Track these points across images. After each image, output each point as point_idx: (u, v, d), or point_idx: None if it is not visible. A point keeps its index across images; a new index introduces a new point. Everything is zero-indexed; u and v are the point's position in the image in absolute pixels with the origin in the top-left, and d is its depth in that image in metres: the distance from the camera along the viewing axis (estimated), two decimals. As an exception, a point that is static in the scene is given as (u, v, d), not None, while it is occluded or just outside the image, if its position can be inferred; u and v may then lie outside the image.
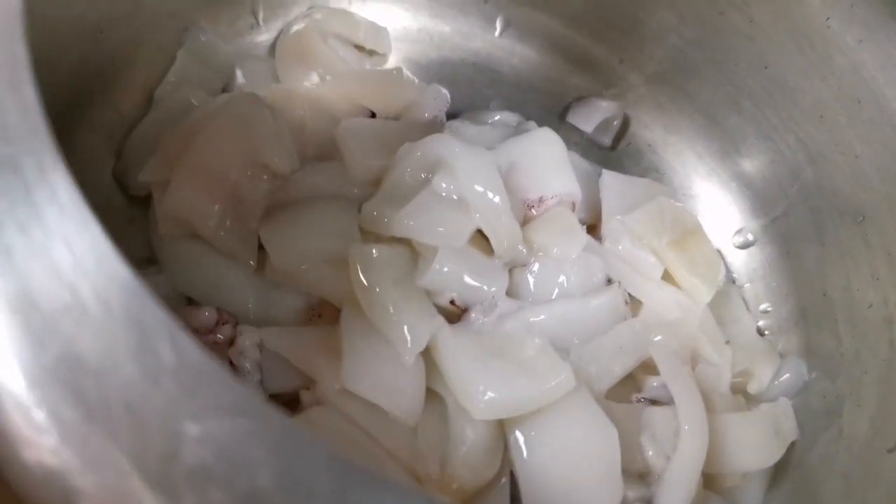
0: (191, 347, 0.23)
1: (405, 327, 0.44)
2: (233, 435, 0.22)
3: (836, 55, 0.51)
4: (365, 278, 0.45)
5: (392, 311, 0.44)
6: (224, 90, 0.57)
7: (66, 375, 0.22)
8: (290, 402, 0.45)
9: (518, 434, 0.44)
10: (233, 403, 0.22)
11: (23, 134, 0.24)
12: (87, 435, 0.21)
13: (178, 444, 0.22)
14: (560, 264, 0.51)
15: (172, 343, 0.23)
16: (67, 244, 0.23)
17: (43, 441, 0.21)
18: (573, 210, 0.54)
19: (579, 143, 0.66)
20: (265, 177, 0.49)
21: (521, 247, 0.50)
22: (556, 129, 0.59)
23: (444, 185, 0.49)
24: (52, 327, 0.22)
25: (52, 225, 0.23)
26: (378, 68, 0.61)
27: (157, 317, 0.23)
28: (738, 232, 0.62)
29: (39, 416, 0.22)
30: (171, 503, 0.21)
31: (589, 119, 0.65)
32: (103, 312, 0.23)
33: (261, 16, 0.60)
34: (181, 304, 0.48)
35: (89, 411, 0.21)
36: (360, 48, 0.62)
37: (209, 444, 0.22)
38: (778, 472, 0.53)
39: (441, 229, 0.47)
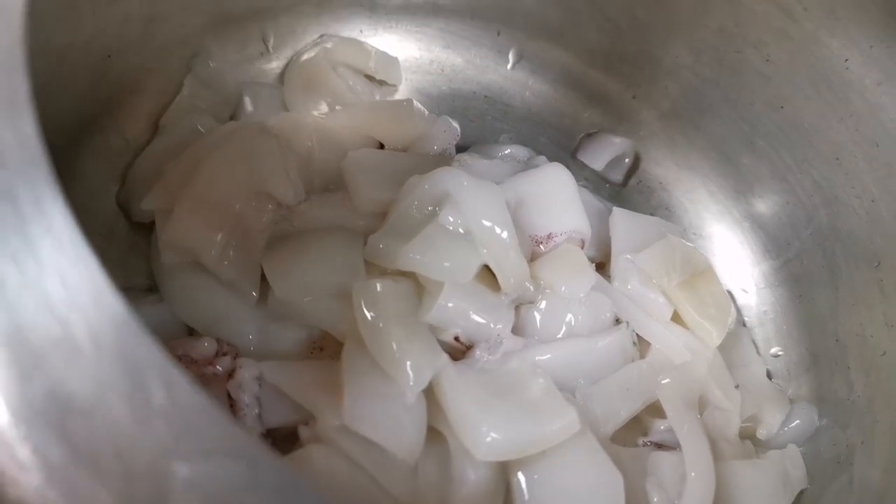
0: (184, 386, 0.22)
1: (408, 364, 0.43)
2: (225, 480, 0.21)
3: (854, 97, 0.51)
4: (368, 313, 0.44)
5: (395, 348, 0.43)
6: (232, 117, 0.57)
7: (53, 413, 0.21)
8: (288, 437, 0.44)
9: (520, 476, 0.43)
10: (226, 446, 0.21)
11: (20, 164, 0.23)
12: (72, 476, 0.20)
13: (167, 488, 0.21)
14: (567, 303, 0.50)
15: (165, 382, 0.22)
16: (61, 278, 0.22)
17: (27, 479, 0.21)
18: (582, 247, 0.53)
19: (590, 178, 0.65)
20: (270, 207, 0.48)
21: (528, 284, 0.49)
22: (567, 165, 0.59)
23: (451, 219, 0.48)
24: (40, 362, 0.21)
25: (46, 258, 0.22)
26: (388, 99, 0.60)
27: (151, 354, 0.22)
28: (750, 274, 0.61)
29: (24, 453, 0.21)
30: (157, 552, 0.20)
31: (600, 156, 0.64)
32: (94, 349, 0.22)
33: (271, 43, 0.59)
34: (181, 333, 0.47)
35: (76, 451, 0.21)
36: (370, 78, 0.62)
37: (199, 490, 0.21)
38: (786, 522, 0.52)
39: (447, 264, 0.46)
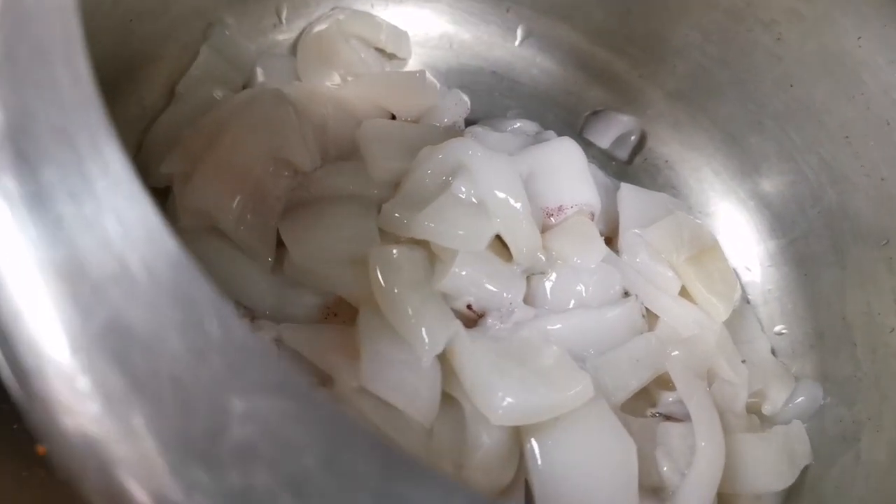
0: (237, 325, 0.22)
1: (423, 329, 0.43)
2: (279, 414, 0.21)
3: (867, 76, 0.51)
4: (383, 280, 0.44)
5: (410, 313, 0.44)
6: (245, 87, 0.57)
7: (112, 344, 0.21)
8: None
9: (534, 442, 0.44)
10: (279, 383, 0.22)
11: (76, 106, 0.24)
12: (131, 405, 0.21)
13: (225, 419, 0.21)
14: (578, 274, 0.50)
15: (219, 319, 0.22)
16: (118, 216, 0.23)
17: (85, 408, 0.21)
18: (592, 220, 0.54)
19: (596, 156, 0.65)
20: (287, 173, 0.48)
21: (539, 254, 0.49)
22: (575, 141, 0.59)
23: (464, 189, 0.49)
24: (100, 296, 0.22)
25: (102, 196, 0.23)
26: (401, 71, 0.61)
27: (205, 292, 0.22)
28: (754, 252, 0.61)
29: (83, 382, 0.21)
30: (215, 479, 0.20)
31: (606, 133, 0.65)
32: (152, 284, 0.22)
33: (284, 15, 0.60)
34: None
35: (135, 381, 0.21)
36: (380, 51, 0.62)
37: (255, 422, 0.21)
38: (791, 497, 0.52)
39: (460, 233, 0.47)
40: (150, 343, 0.21)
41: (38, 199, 0.22)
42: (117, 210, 0.23)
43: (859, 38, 0.50)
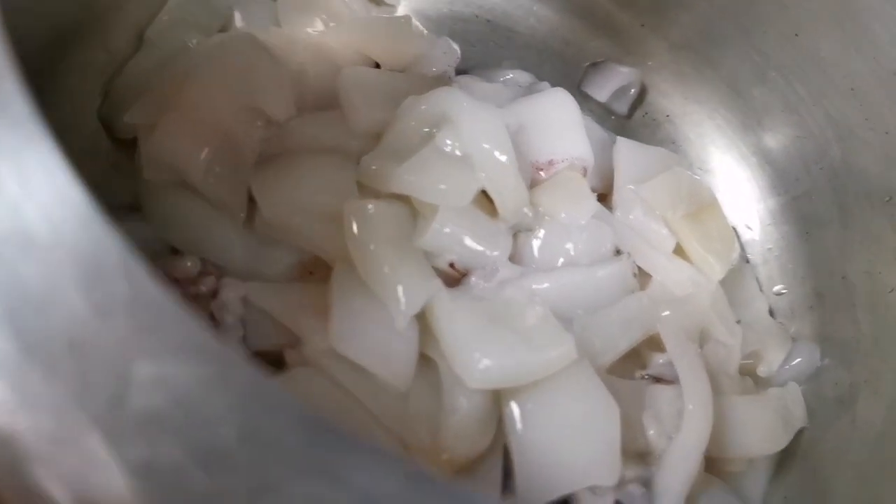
0: (149, 283, 0.20)
1: (400, 288, 0.41)
2: (192, 380, 0.19)
3: (876, 25, 0.48)
4: (360, 235, 0.42)
5: (387, 271, 0.42)
6: (220, 32, 0.54)
7: (2, 305, 0.19)
8: (274, 362, 0.42)
9: (514, 405, 0.42)
10: (192, 345, 0.20)
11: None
12: (24, 371, 0.19)
13: (128, 385, 0.19)
14: (567, 231, 0.48)
15: (128, 277, 0.20)
16: (15, 163, 0.20)
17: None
18: (584, 175, 0.51)
19: (594, 110, 0.63)
20: (259, 123, 0.46)
21: (526, 210, 0.47)
22: (572, 94, 0.57)
23: (448, 142, 0.47)
24: (-7, 253, 0.20)
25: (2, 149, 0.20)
26: (386, 16, 0.58)
27: (115, 248, 0.20)
28: (755, 210, 0.59)
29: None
30: (117, 450, 0.19)
31: (605, 86, 0.62)
32: (51, 239, 0.20)
33: (264, -46, 0.57)
34: (165, 253, 0.46)
35: (28, 345, 0.19)
36: (367, -3, 0.59)
37: (163, 389, 0.19)
38: (784, 460, 0.51)
39: (443, 187, 0.45)
40: (45, 303, 0.19)
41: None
42: (15, 155, 0.20)
43: (870, -20, 0.47)
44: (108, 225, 0.21)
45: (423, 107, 0.47)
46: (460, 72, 0.58)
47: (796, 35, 0.53)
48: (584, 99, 0.63)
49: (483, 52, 0.62)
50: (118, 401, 0.19)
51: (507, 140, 0.47)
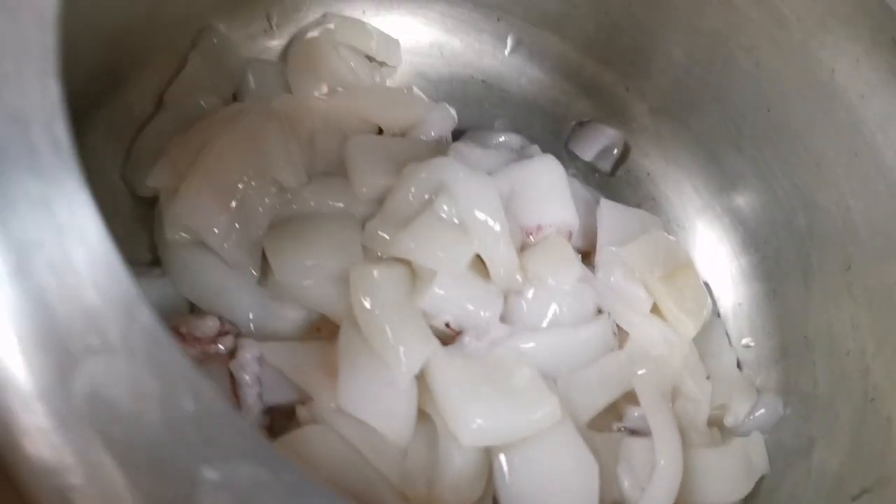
0: (212, 396, 0.24)
1: (401, 350, 0.45)
2: (250, 481, 0.23)
3: (838, 107, 0.52)
4: (364, 299, 0.46)
5: (389, 334, 0.45)
6: (235, 94, 0.58)
7: (94, 417, 0.23)
8: (286, 415, 0.46)
9: (502, 459, 0.46)
10: (249, 450, 0.24)
11: (55, 173, 0.25)
12: (113, 479, 0.22)
13: (196, 488, 0.23)
14: (553, 293, 0.52)
15: (194, 390, 0.24)
16: (97, 287, 0.24)
17: (69, 480, 0.23)
18: (570, 239, 0.55)
19: (580, 167, 0.67)
20: (273, 190, 0.50)
21: (517, 275, 0.51)
22: (559, 152, 0.61)
23: (445, 208, 0.50)
24: (80, 369, 0.23)
25: (82, 268, 0.24)
26: (389, 85, 0.62)
27: (181, 364, 0.24)
28: (728, 267, 0.63)
29: (67, 454, 0.23)
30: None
31: (591, 146, 0.66)
32: (130, 357, 0.24)
33: (274, 21, 0.60)
34: (183, 308, 0.49)
35: (116, 453, 0.23)
36: (370, 58, 0.63)
37: (227, 490, 0.23)
38: (745, 504, 0.55)
39: (441, 254, 0.48)
40: (130, 416, 0.23)
41: (19, 271, 0.24)
42: (97, 281, 0.24)
43: (833, 70, 0.52)
44: (174, 344, 0.24)
45: (422, 175, 0.51)
46: (458, 132, 0.63)
47: (768, 110, 0.57)
48: (570, 157, 0.67)
49: (478, 112, 0.66)
50: (188, 502, 0.23)
51: (500, 209, 0.50)
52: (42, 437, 0.23)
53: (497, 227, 0.50)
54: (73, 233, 0.25)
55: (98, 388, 0.23)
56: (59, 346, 0.24)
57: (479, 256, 0.51)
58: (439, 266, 0.48)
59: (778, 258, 0.60)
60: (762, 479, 0.55)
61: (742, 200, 0.62)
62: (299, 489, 0.24)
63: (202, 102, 0.54)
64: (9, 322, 0.23)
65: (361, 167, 0.52)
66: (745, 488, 0.54)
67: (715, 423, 0.57)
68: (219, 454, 0.23)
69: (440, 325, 0.49)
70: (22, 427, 0.23)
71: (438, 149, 0.57)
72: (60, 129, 0.26)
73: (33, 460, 0.23)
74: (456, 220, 0.50)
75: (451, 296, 0.49)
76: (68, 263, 0.24)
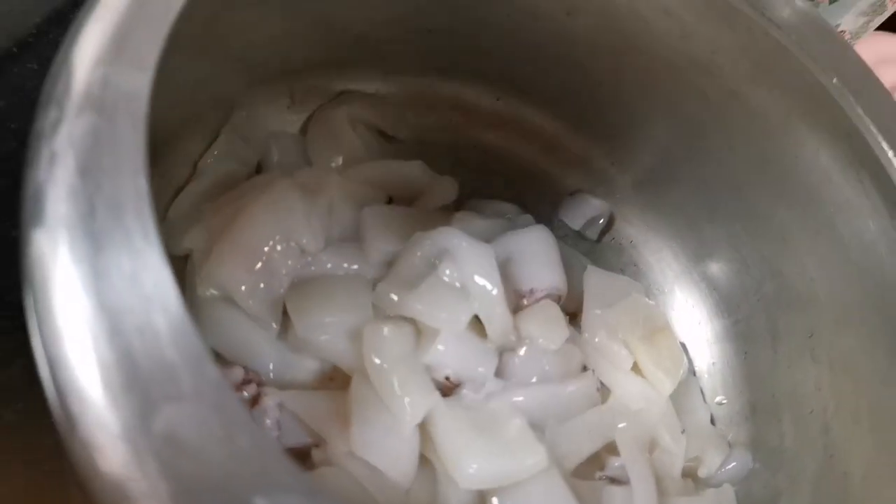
0: (263, 435, 0.29)
1: (406, 400, 0.50)
2: (293, 509, 0.29)
3: (800, 190, 0.57)
4: (375, 354, 0.51)
5: (396, 386, 0.51)
6: (259, 163, 0.64)
7: (166, 454, 0.28)
8: (300, 455, 0.51)
9: (495, 501, 0.51)
10: (294, 484, 0.29)
11: (144, 253, 0.31)
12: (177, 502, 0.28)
13: (250, 514, 0.28)
14: (543, 351, 0.58)
15: (248, 431, 0.29)
16: (175, 347, 0.30)
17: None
18: (559, 302, 0.61)
19: (569, 234, 0.73)
20: (295, 254, 0.55)
21: (511, 335, 0.57)
22: (550, 220, 0.67)
23: (448, 273, 0.56)
24: (158, 413, 0.29)
25: (164, 334, 0.30)
26: (399, 161, 0.68)
27: (238, 409, 0.30)
28: (703, 329, 0.69)
29: (143, 485, 0.28)
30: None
31: (579, 215, 0.72)
32: (198, 404, 0.29)
33: (297, 97, 0.66)
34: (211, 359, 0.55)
35: (182, 488, 0.28)
36: (382, 133, 0.69)
37: (274, 517, 0.28)
38: (715, 555, 0.60)
39: (444, 314, 0.54)
40: (197, 452, 0.28)
41: (113, 331, 0.29)
42: (175, 341, 0.30)
43: (796, 157, 0.57)
44: (231, 391, 0.30)
45: (427, 242, 0.57)
46: (460, 198, 0.69)
47: (739, 189, 0.63)
48: (560, 225, 0.73)
49: (478, 180, 0.72)
50: (245, 524, 0.28)
51: (497, 275, 0.56)
52: (123, 469, 0.28)
53: (494, 292, 0.56)
54: (157, 302, 0.30)
55: (173, 429, 0.29)
56: (141, 393, 0.29)
57: (477, 317, 0.57)
58: (442, 325, 0.54)
59: (748, 322, 0.66)
60: (732, 528, 0.60)
61: (716, 268, 0.68)
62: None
63: (231, 171, 0.60)
64: (101, 373, 0.29)
65: (373, 234, 0.58)
66: (715, 536, 0.59)
67: (689, 474, 0.62)
68: (269, 485, 0.29)
69: (441, 377, 0.55)
70: (105, 457, 0.28)
71: (443, 218, 0.62)
72: (148, 218, 0.32)
73: (113, 485, 0.28)
74: (458, 284, 0.56)
75: (451, 352, 0.54)
76: (151, 326, 0.30)
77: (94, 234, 0.30)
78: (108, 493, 0.29)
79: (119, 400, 0.29)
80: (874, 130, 0.52)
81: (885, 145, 0.51)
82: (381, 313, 0.56)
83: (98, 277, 0.30)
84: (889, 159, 0.51)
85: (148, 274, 0.30)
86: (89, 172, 0.32)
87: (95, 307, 0.29)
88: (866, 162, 0.53)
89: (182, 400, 0.29)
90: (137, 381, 0.29)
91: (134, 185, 0.32)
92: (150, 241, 0.31)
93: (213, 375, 0.30)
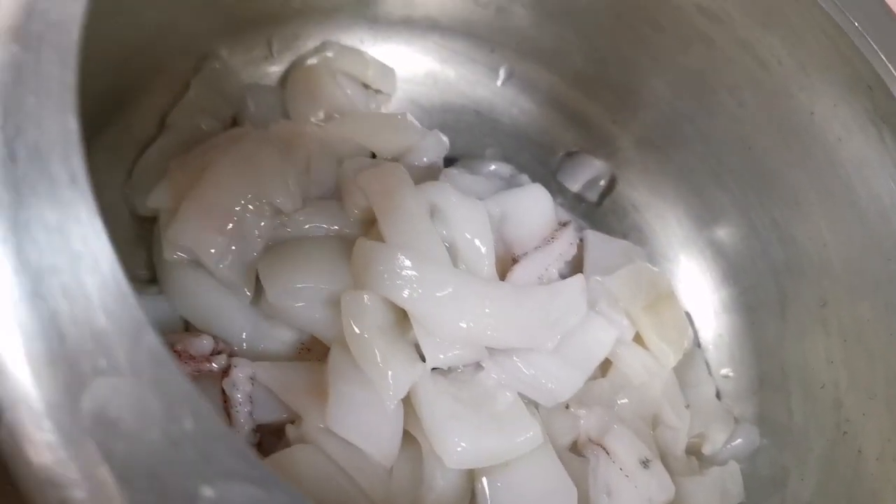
0: (211, 416, 0.25)
1: (389, 374, 0.46)
2: (244, 501, 0.25)
3: (816, 148, 0.54)
4: (355, 324, 0.47)
5: (378, 357, 0.46)
6: (234, 117, 0.59)
7: (100, 436, 0.24)
8: (276, 432, 0.47)
9: (485, 482, 0.47)
10: (245, 471, 0.25)
11: (72, 203, 0.26)
12: (117, 496, 0.24)
13: (194, 505, 0.24)
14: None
15: (194, 413, 0.25)
16: (107, 313, 0.26)
17: (72, 494, 0.24)
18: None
19: (567, 196, 0.69)
20: (268, 213, 0.51)
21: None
22: (548, 181, 0.63)
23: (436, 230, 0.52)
24: (88, 389, 0.25)
25: (94, 295, 0.26)
26: (383, 112, 0.63)
27: (182, 386, 0.26)
28: (709, 299, 0.65)
29: (71, 470, 0.24)
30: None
31: (578, 176, 0.68)
32: (135, 379, 0.25)
33: (275, 47, 0.62)
34: (178, 325, 0.51)
35: (120, 473, 0.24)
36: (366, 86, 0.65)
37: (222, 509, 0.24)
38: (720, 533, 0.57)
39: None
40: (133, 434, 0.24)
41: (34, 294, 0.25)
42: (106, 306, 0.26)
43: (812, 112, 0.53)
44: (176, 367, 0.26)
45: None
46: (449, 158, 0.64)
47: (749, 148, 0.59)
48: (558, 186, 0.69)
49: (469, 140, 0.68)
50: (187, 518, 0.24)
51: (489, 233, 0.52)
52: (49, 452, 0.24)
53: (483, 249, 0.51)
54: (87, 260, 0.26)
55: (104, 407, 0.25)
56: (68, 366, 0.25)
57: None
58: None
59: (756, 291, 0.62)
60: (738, 506, 0.57)
61: (723, 234, 0.64)
62: (292, 507, 0.25)
63: (203, 125, 0.56)
64: (22, 342, 0.25)
65: (354, 189, 0.54)
66: (721, 516, 0.55)
67: (693, 451, 0.59)
68: (216, 473, 0.25)
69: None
70: (30, 441, 0.24)
71: (430, 175, 0.58)
72: (77, 163, 0.28)
73: (39, 473, 0.24)
74: (447, 243, 0.52)
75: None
76: (81, 288, 0.26)
77: (13, 183, 0.26)
78: (34, 481, 0.25)
79: (43, 373, 0.25)
80: (901, 81, 0.48)
81: (911, 98, 0.47)
82: (363, 279, 0.52)
83: (18, 231, 0.26)
84: (916, 113, 0.48)
85: (76, 227, 0.26)
86: (9, 113, 0.27)
87: (15, 266, 0.25)
88: (890, 117, 0.49)
89: (116, 374, 0.25)
90: (64, 351, 0.25)
91: (61, 128, 0.27)
92: (79, 189, 0.26)
93: (153, 346, 0.26)
